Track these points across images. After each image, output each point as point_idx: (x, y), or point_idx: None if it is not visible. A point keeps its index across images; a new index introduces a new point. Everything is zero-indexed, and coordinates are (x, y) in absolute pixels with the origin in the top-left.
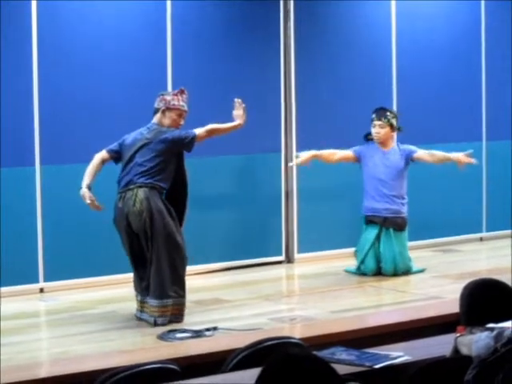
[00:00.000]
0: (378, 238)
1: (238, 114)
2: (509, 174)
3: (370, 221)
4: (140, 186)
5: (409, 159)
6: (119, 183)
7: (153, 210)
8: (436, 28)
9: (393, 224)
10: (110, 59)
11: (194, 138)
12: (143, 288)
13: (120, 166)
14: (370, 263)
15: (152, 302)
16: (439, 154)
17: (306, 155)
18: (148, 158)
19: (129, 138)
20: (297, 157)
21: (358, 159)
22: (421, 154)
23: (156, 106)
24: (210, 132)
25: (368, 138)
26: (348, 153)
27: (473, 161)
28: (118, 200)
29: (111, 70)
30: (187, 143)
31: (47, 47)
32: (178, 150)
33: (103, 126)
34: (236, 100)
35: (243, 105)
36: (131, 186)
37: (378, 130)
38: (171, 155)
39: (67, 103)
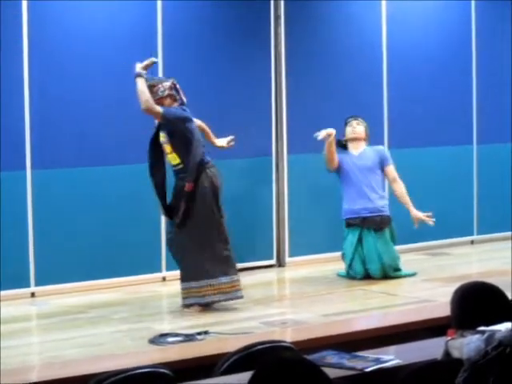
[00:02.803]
0: (359, 240)
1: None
2: (499, 177)
3: (349, 224)
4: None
5: (382, 165)
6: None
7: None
8: (426, 30)
9: (372, 224)
10: (101, 62)
11: None
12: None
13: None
14: (357, 267)
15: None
16: (401, 190)
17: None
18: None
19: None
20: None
21: (338, 165)
22: (389, 171)
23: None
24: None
25: (342, 142)
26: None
27: (430, 222)
28: (217, 170)
29: (102, 73)
30: None
31: (38, 50)
32: None
33: (95, 130)
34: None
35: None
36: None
37: (355, 126)
38: None
39: (58, 107)
